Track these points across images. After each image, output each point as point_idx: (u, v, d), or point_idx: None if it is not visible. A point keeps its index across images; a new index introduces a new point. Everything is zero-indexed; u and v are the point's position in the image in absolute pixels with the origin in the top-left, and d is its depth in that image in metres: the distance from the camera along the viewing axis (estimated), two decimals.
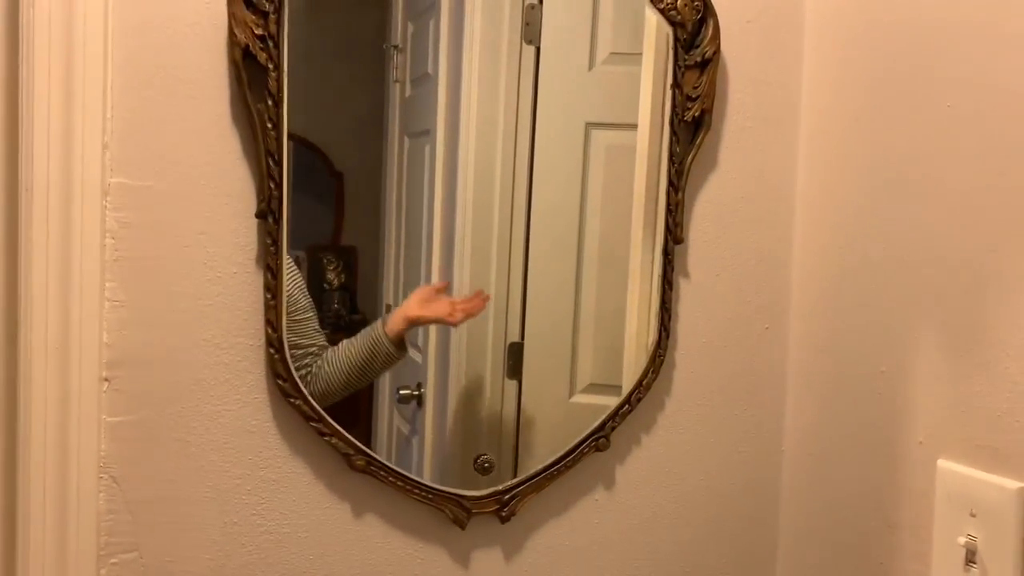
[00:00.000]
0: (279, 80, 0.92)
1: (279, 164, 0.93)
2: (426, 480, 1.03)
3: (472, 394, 1.12)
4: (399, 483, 1.00)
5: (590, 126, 1.13)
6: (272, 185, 0.93)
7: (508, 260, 1.11)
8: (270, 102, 0.92)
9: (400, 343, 1.03)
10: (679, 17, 1.06)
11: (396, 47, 1.11)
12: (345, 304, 1.10)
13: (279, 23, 0.91)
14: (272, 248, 0.93)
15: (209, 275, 0.93)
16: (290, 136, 0.95)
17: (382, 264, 1.13)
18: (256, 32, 0.90)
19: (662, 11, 1.05)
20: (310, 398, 0.96)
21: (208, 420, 0.94)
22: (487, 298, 1.07)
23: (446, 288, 1.07)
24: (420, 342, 1.11)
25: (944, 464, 0.92)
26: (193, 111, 0.92)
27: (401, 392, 1.10)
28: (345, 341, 1.03)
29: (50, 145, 0.86)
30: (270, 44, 0.91)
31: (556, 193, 1.13)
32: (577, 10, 1.11)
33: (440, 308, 1.05)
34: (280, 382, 0.95)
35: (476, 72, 1.11)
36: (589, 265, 1.13)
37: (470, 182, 1.11)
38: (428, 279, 1.10)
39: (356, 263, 1.13)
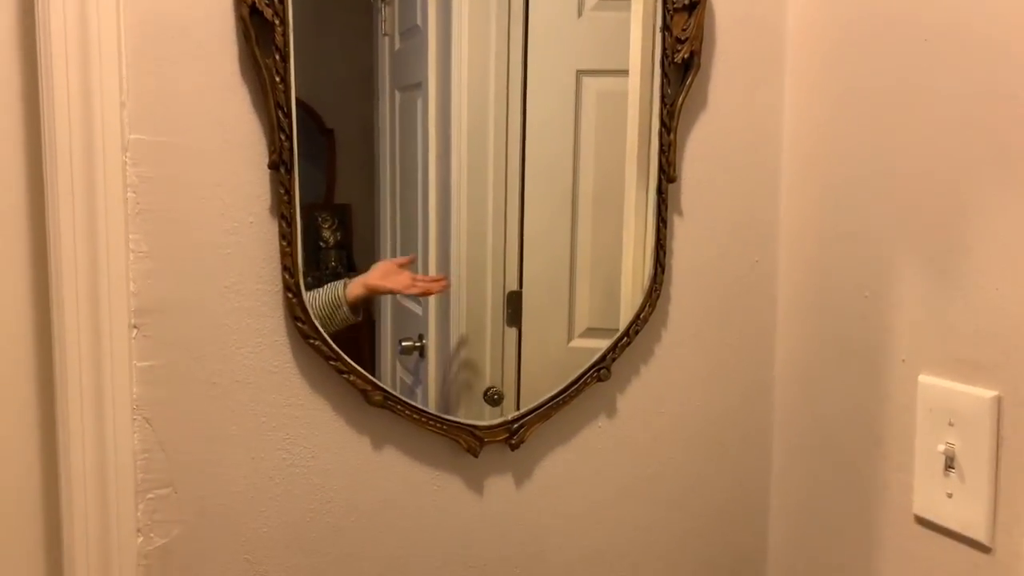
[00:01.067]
0: (285, 35, 0.95)
1: (288, 116, 0.96)
2: (445, 414, 1.08)
3: (473, 343, 1.17)
4: (415, 416, 1.06)
5: (581, 73, 1.16)
6: (283, 137, 0.97)
7: (504, 209, 1.15)
8: (277, 56, 0.95)
9: (356, 308, 1.08)
10: None
11: (384, 0, 1.12)
12: (342, 262, 1.13)
13: None
14: (286, 197, 0.98)
15: (226, 225, 0.98)
16: None
17: (378, 220, 1.15)
18: None
19: None
20: (328, 338, 1.01)
21: (232, 363, 1.00)
22: (447, 285, 1.13)
23: (411, 262, 1.11)
24: None
25: (925, 379, 0.98)
26: (204, 68, 0.95)
27: (403, 344, 1.15)
28: (311, 293, 1.04)
29: (70, 105, 0.90)
30: (275, 0, 0.94)
31: (550, 140, 1.16)
32: None
33: (401, 281, 1.10)
34: (299, 324, 1.00)
35: (466, 23, 1.13)
36: (584, 211, 1.17)
37: (464, 133, 1.13)
38: (425, 233, 1.14)
39: (351, 220, 1.15)
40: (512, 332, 1.16)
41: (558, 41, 1.16)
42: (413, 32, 1.13)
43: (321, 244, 1.15)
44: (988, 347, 0.91)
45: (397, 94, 1.15)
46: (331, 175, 1.17)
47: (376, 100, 1.15)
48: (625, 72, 1.15)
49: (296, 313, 1.00)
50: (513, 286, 1.16)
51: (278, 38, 0.95)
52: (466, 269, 1.15)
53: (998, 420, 0.90)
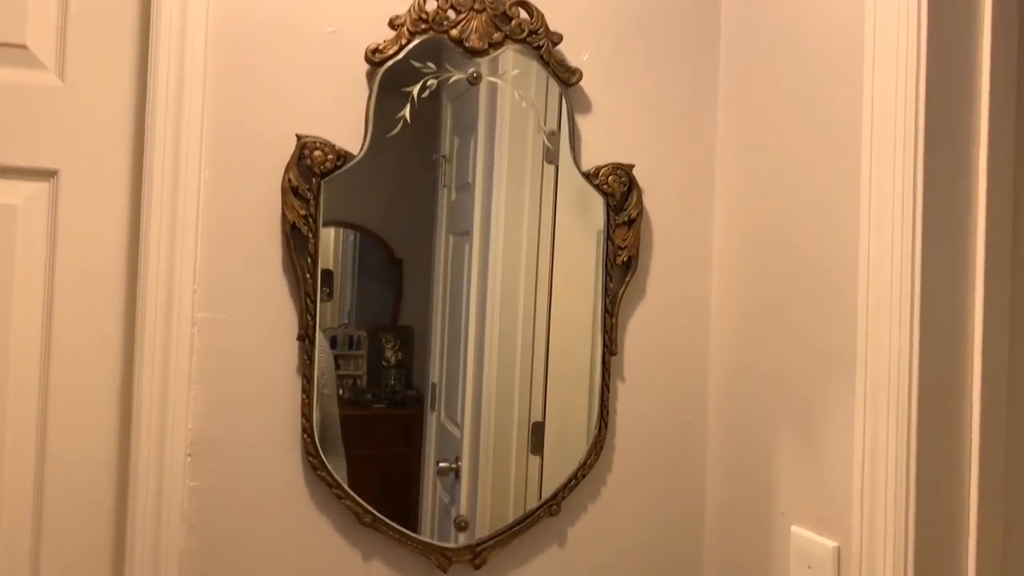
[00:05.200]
0: (315, 245, 1.30)
1: (314, 303, 1.30)
2: (420, 535, 1.36)
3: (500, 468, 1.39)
4: (396, 536, 1.34)
5: (600, 234, 1.43)
6: (308, 317, 1.30)
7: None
8: (308, 260, 1.30)
9: None
10: (610, 190, 1.42)
11: (444, 157, 1.36)
12: (400, 381, 1.30)
13: (316, 206, 1.30)
14: (308, 362, 1.31)
15: (262, 381, 1.31)
16: (361, 229, 1.28)
17: (431, 344, 1.34)
18: (300, 213, 1.29)
19: (596, 186, 1.42)
20: (331, 470, 1.31)
21: (259, 485, 1.31)
22: None
23: None
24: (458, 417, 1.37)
25: (795, 529, 1.23)
26: (256, 266, 1.31)
27: (441, 465, 1.38)
28: None
29: (158, 294, 1.26)
30: (310, 220, 1.30)
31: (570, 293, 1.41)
32: None
33: None
34: (310, 459, 1.31)
35: (504, 184, 1.39)
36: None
37: (498, 279, 1.37)
38: (465, 361, 1.36)
39: (412, 342, 1.32)
40: (535, 460, 1.39)
41: (585, 205, 1.41)
42: (465, 187, 1.37)
43: (383, 363, 1.33)
44: (830, 507, 1.16)
45: (451, 237, 1.37)
46: (398, 300, 1.37)
47: (435, 240, 1.36)
48: None
49: (309, 450, 1.31)
50: (537, 417, 1.40)
51: (310, 247, 1.30)
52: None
53: (838, 566, 1.14)
